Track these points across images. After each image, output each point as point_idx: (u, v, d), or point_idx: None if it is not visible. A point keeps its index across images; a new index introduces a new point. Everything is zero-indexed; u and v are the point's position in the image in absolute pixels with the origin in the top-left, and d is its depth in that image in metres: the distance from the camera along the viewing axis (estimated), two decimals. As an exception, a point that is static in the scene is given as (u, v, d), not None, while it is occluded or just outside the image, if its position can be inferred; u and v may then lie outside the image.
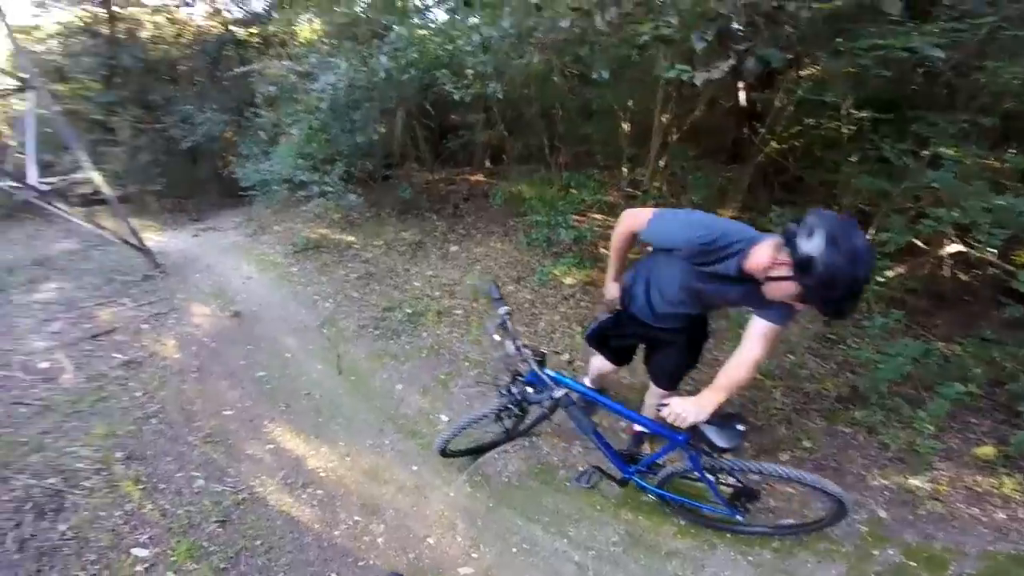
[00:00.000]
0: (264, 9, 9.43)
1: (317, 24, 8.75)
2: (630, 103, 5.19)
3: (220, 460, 3.19)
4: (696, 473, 2.11)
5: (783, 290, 1.56)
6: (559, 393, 1.93)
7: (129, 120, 8.98)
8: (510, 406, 2.28)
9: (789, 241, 1.47)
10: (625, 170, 5.47)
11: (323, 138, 6.16)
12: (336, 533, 2.70)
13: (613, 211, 5.76)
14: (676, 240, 1.81)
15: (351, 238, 6.42)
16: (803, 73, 4.21)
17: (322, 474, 3.06)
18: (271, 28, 9.32)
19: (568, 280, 4.81)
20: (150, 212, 8.93)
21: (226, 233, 7.55)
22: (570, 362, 3.90)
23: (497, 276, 5.08)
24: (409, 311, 4.62)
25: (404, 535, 2.68)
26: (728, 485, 2.24)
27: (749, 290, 1.72)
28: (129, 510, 2.82)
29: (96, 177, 5.66)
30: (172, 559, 2.54)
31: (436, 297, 4.86)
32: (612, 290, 2.36)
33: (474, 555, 2.57)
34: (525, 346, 2.00)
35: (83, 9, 9.15)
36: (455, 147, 8.06)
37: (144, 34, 9.67)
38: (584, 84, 5.40)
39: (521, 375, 2.16)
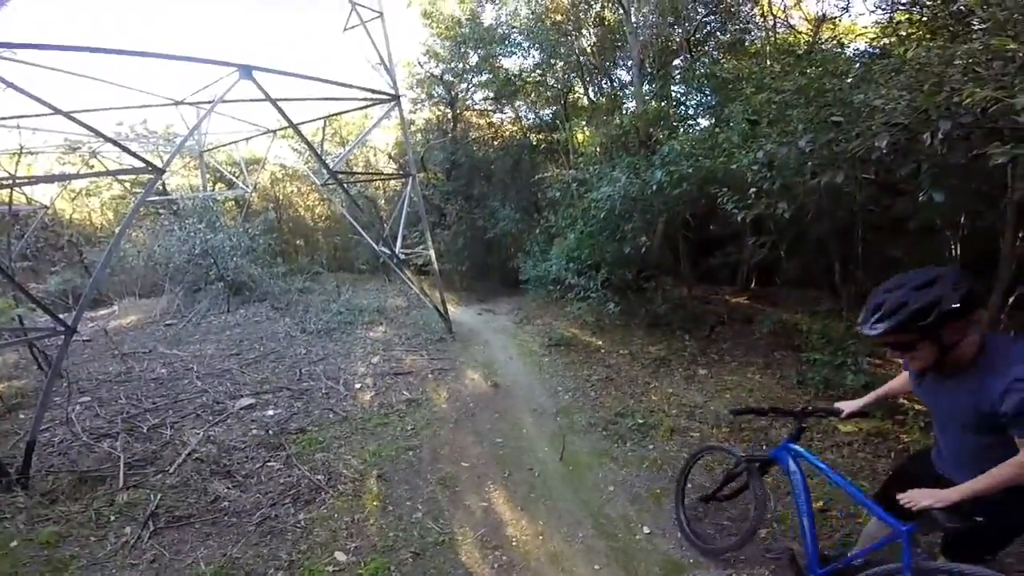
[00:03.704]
0: (550, 117, 11.10)
1: (592, 133, 9.79)
2: (963, 218, 4.19)
3: (443, 502, 3.59)
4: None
5: None
6: None
7: (456, 209, 10.85)
8: None
9: None
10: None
11: (592, 244, 6.75)
12: (498, 600, 2.65)
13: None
14: None
15: (599, 342, 6.73)
16: None
17: (514, 543, 3.14)
18: (555, 136, 10.87)
19: (846, 428, 3.94)
20: (453, 288, 11.15)
21: (499, 317, 8.89)
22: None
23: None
24: (641, 421, 4.48)
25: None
26: None
27: None
28: (356, 519, 3.38)
29: (432, 253, 7.55)
30: (359, 571, 2.90)
31: (672, 415, 4.59)
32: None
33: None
34: None
35: (439, 109, 11.75)
36: (717, 263, 7.73)
37: (473, 134, 12.10)
38: (890, 193, 4.44)
39: None
